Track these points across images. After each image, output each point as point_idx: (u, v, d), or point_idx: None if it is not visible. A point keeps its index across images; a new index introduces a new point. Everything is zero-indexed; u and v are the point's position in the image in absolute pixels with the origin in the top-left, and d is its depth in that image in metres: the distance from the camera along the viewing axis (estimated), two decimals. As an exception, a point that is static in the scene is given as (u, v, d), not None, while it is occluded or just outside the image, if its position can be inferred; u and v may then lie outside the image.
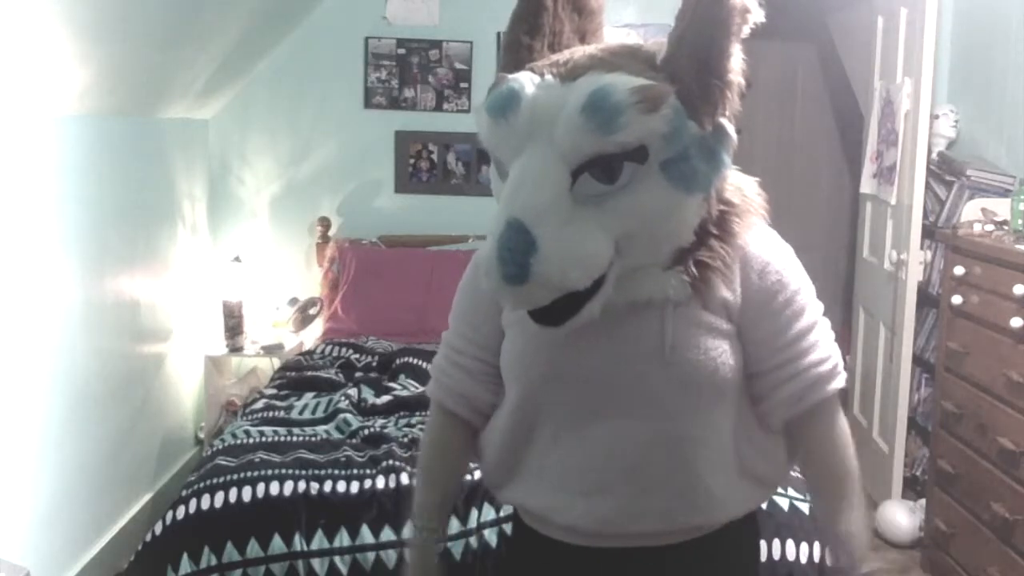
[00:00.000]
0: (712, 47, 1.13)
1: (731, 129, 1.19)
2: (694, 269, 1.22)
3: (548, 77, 1.17)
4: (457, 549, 2.18)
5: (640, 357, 1.24)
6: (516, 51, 1.27)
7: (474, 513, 2.22)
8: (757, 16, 1.15)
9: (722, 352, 1.25)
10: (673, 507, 1.30)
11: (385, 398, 3.00)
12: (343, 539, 2.19)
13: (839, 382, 1.32)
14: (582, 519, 1.30)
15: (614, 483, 1.28)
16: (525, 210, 1.11)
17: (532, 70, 1.19)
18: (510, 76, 1.20)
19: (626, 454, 1.27)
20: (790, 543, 2.17)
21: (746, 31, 1.15)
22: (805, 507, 2.26)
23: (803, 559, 2.16)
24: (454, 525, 2.20)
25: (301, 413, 2.93)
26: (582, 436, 1.29)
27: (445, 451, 1.46)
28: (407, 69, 4.30)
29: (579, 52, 1.21)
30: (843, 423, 1.36)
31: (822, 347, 1.31)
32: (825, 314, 1.33)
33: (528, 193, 1.12)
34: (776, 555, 2.16)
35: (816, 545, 2.18)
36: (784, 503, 2.25)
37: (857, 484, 1.37)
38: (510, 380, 1.36)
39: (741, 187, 1.29)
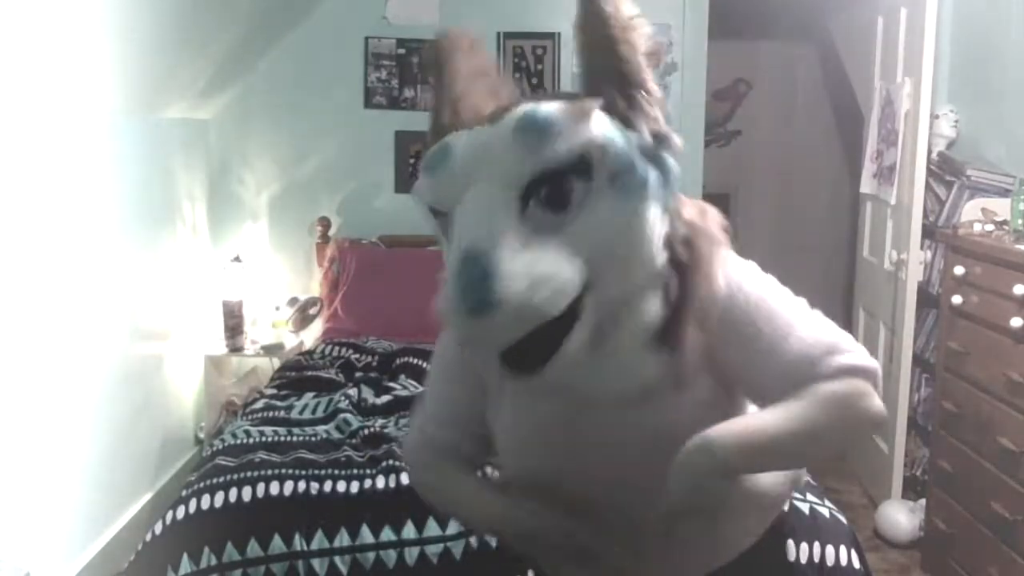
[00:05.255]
0: (622, 63, 1.11)
1: (674, 136, 1.15)
2: (673, 342, 1.16)
3: (476, 127, 1.15)
4: (457, 549, 2.18)
5: (638, 454, 1.21)
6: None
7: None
8: (644, 27, 1.12)
9: (714, 420, 1.15)
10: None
11: (385, 398, 3.00)
12: (343, 539, 2.19)
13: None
14: None
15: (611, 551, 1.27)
16: (477, 240, 1.05)
17: (458, 129, 1.18)
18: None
19: (621, 530, 1.27)
20: (790, 543, 2.17)
21: (645, 41, 1.12)
22: (805, 507, 2.26)
23: (803, 559, 2.16)
24: (454, 525, 2.20)
25: (301, 413, 2.93)
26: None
27: (457, 474, 1.41)
28: (407, 69, 4.30)
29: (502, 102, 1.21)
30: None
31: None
32: (825, 314, 1.30)
33: (477, 224, 1.07)
34: (776, 555, 2.16)
35: (816, 545, 2.18)
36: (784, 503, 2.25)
37: None
38: (507, 458, 1.36)
39: (702, 208, 1.25)
